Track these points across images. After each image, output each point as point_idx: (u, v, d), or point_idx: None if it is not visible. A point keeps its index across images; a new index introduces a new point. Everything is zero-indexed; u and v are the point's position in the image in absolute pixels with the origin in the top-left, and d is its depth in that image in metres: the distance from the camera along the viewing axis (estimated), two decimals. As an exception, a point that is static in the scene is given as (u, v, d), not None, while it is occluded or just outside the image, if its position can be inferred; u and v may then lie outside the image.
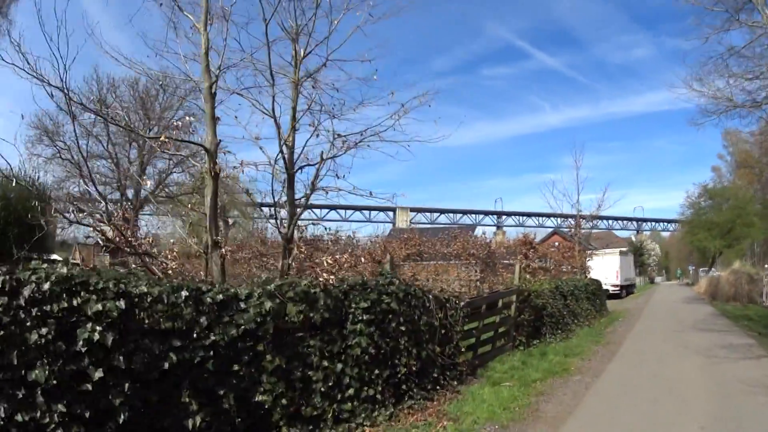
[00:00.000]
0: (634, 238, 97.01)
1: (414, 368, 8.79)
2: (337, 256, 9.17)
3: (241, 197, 35.38)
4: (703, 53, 17.14)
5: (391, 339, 8.32)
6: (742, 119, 18.02)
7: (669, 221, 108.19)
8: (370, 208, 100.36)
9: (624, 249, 49.55)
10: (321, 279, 7.75)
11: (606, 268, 39.78)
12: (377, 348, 7.98)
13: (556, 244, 37.93)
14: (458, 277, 20.66)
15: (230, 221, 33.27)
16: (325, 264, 8.33)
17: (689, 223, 56.93)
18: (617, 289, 40.40)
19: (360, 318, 7.88)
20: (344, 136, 10.00)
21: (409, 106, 10.22)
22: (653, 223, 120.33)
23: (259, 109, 9.73)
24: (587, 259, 30.20)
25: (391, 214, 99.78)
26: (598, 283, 26.63)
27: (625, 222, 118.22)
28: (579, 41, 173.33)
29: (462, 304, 11.20)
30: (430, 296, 10.03)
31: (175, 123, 11.77)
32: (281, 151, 9.64)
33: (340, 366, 7.51)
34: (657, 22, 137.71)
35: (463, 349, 10.99)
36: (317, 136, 10.02)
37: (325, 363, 7.39)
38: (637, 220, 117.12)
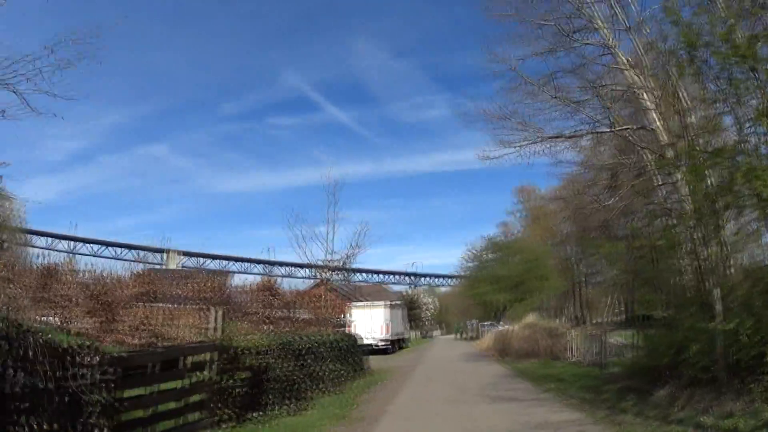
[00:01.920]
0: (408, 292, 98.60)
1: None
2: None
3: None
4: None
5: None
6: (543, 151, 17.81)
7: (447, 276, 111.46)
8: (139, 248, 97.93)
9: (393, 301, 48.10)
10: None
11: (372, 322, 37.70)
12: None
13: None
14: (191, 323, 18.15)
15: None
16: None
17: (471, 276, 57.35)
18: (386, 344, 37.96)
19: None
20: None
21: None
22: (431, 279, 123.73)
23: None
24: (345, 312, 27.41)
25: (164, 256, 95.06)
26: (353, 338, 23.10)
27: (400, 276, 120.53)
28: (375, 98, 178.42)
29: (98, 359, 7.27)
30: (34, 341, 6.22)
31: None
32: None
33: None
34: (456, 84, 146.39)
35: None
36: None
37: None
38: (413, 274, 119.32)
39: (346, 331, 29.47)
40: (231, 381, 10.89)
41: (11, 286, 26.11)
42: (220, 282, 22.11)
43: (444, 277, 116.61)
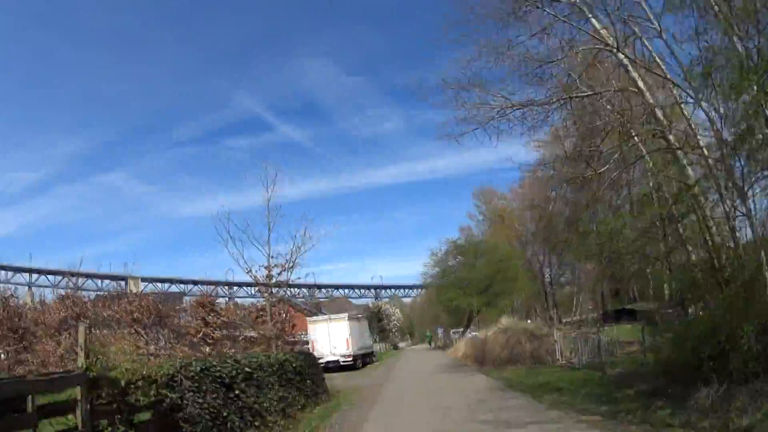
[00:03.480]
0: (371, 305, 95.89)
1: None
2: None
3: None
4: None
5: None
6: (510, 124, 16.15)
7: (411, 287, 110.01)
8: (100, 276, 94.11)
9: (355, 313, 44.71)
10: None
11: (334, 337, 34.37)
12: None
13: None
14: (124, 350, 14.47)
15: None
16: None
17: (435, 283, 54.39)
18: (349, 360, 34.36)
19: None
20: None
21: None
22: (395, 290, 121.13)
23: None
24: (301, 329, 24.15)
25: (123, 283, 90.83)
26: (309, 357, 19.37)
27: (363, 290, 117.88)
28: (327, 115, 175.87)
29: None
30: None
31: None
32: None
33: None
34: (408, 98, 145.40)
35: None
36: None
37: None
38: (376, 287, 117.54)
39: (304, 349, 26.03)
40: (120, 429, 7.56)
41: None
42: (153, 301, 18.70)
43: (408, 287, 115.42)
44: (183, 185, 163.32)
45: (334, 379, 23.66)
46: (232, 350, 17.24)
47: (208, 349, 17.56)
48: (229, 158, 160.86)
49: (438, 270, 53.17)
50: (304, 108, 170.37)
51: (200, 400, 9.49)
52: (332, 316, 37.85)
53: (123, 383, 7.80)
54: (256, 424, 11.30)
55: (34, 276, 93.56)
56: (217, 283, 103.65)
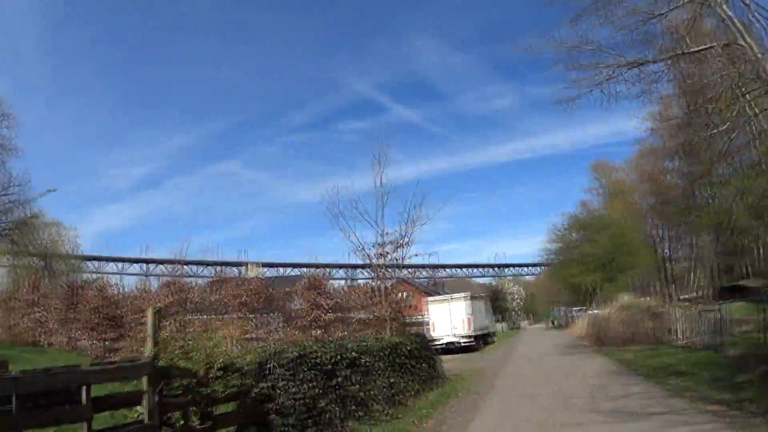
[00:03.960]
0: (492, 283, 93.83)
1: None
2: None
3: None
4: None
5: None
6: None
7: (532, 265, 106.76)
8: (218, 263, 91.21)
9: (476, 293, 43.07)
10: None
11: (454, 317, 33.07)
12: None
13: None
14: (231, 334, 14.64)
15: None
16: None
17: (557, 259, 52.30)
18: (470, 340, 32.95)
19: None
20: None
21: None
22: (516, 268, 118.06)
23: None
24: (419, 310, 22.94)
25: (242, 270, 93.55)
26: (422, 339, 17.65)
27: (485, 269, 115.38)
28: (440, 94, 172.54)
29: None
30: None
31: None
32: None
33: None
34: (521, 72, 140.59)
35: None
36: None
37: None
38: (496, 266, 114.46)
39: (422, 331, 24.80)
40: (189, 423, 6.71)
41: (37, 309, 23.72)
42: (261, 285, 18.03)
43: (529, 265, 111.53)
44: (296, 170, 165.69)
45: (452, 361, 22.54)
46: (344, 333, 16.35)
47: (318, 332, 16.76)
48: (343, 142, 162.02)
49: (559, 246, 51.05)
50: (416, 87, 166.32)
51: (294, 390, 8.54)
52: (452, 296, 36.50)
53: (202, 372, 6.95)
54: (360, 414, 10.21)
55: (149, 266, 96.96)
56: (332, 266, 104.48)
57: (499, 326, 58.26)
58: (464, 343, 32.44)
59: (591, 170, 68.01)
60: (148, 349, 6.45)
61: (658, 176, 47.80)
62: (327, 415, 9.06)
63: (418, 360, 15.20)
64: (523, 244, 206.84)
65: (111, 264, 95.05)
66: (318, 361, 9.59)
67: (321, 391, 9.17)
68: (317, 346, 10.18)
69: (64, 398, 5.65)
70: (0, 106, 41.35)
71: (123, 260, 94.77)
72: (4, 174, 41.31)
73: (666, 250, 55.23)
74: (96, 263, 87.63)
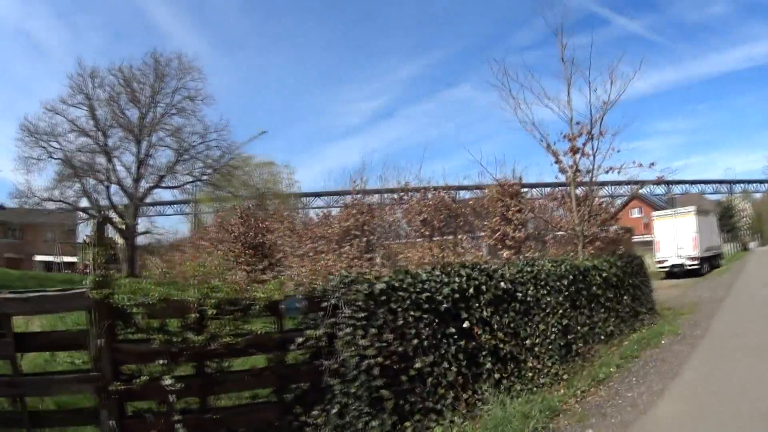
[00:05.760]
0: (722, 200, 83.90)
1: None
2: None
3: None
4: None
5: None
6: None
7: (761, 181, 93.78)
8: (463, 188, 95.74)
9: (703, 207, 37.13)
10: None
11: (680, 235, 28.47)
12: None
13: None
14: (416, 260, 11.71)
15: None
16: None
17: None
18: (695, 263, 28.27)
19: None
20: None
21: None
22: (746, 185, 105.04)
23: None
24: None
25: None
26: (626, 263, 13.38)
27: (714, 185, 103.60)
28: (654, 3, 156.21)
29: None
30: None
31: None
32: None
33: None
34: None
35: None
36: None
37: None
38: (725, 181, 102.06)
39: (637, 252, 20.70)
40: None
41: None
42: (441, 198, 14.98)
43: (759, 182, 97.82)
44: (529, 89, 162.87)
45: (669, 289, 19.63)
46: (537, 254, 13.08)
47: (507, 253, 13.66)
48: (570, 57, 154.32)
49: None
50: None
51: (363, 342, 5.74)
52: (678, 210, 31.59)
53: (195, 307, 5.18)
54: (496, 375, 7.02)
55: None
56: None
57: (728, 247, 50.86)
58: (690, 266, 27.99)
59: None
60: (89, 278, 5.04)
61: None
62: (430, 381, 6.18)
63: (618, 290, 11.74)
64: (755, 158, 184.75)
65: (318, 200, 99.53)
66: (423, 296, 6.48)
67: (424, 343, 6.26)
68: (426, 274, 6.82)
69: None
70: (181, 61, 43.50)
71: (339, 194, 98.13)
72: (196, 123, 43.56)
73: None
74: (308, 199, 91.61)
